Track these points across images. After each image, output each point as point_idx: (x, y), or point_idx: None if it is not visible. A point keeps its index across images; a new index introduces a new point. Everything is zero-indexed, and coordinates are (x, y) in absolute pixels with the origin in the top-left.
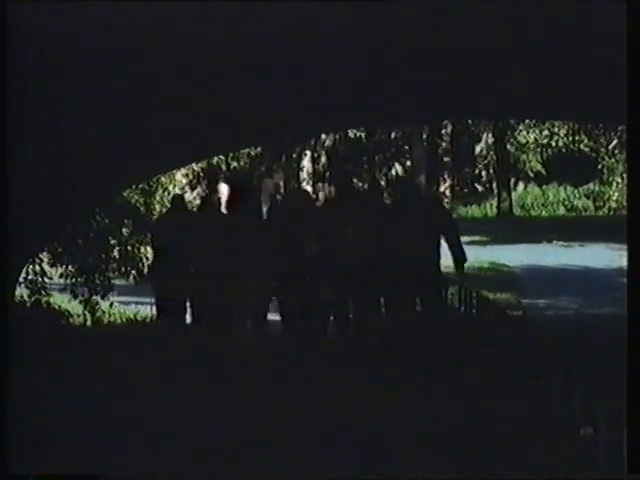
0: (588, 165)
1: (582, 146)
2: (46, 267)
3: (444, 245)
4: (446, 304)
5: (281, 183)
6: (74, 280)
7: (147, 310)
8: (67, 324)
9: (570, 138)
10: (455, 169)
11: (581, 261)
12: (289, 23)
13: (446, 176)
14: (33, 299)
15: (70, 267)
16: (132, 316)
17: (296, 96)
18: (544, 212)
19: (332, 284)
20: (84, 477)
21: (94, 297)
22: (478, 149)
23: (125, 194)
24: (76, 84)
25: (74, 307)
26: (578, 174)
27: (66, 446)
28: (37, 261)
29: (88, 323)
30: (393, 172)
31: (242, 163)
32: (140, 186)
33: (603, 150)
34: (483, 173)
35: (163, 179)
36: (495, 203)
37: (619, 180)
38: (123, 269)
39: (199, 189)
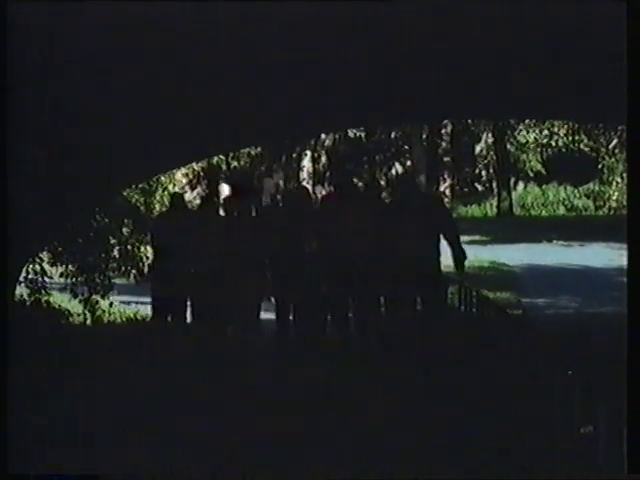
0: (588, 165)
1: (582, 146)
2: (46, 266)
3: (444, 244)
4: (446, 303)
5: (281, 183)
6: (74, 279)
7: (147, 309)
8: (67, 323)
9: (570, 138)
10: (455, 169)
11: (581, 260)
12: (289, 23)
13: (446, 176)
14: (33, 298)
15: (70, 266)
16: (132, 315)
17: (296, 96)
18: (544, 212)
19: (332, 283)
20: (84, 477)
21: (94, 296)
22: (478, 149)
23: (125, 193)
24: (76, 84)
25: (74, 306)
26: (578, 174)
27: (66, 446)
28: (37, 260)
29: (88, 322)
30: (393, 172)
31: (242, 163)
32: (140, 186)
33: (603, 150)
34: (483, 173)
35: (163, 179)
36: (495, 203)
37: (619, 180)
38: (123, 268)
39: (199, 189)
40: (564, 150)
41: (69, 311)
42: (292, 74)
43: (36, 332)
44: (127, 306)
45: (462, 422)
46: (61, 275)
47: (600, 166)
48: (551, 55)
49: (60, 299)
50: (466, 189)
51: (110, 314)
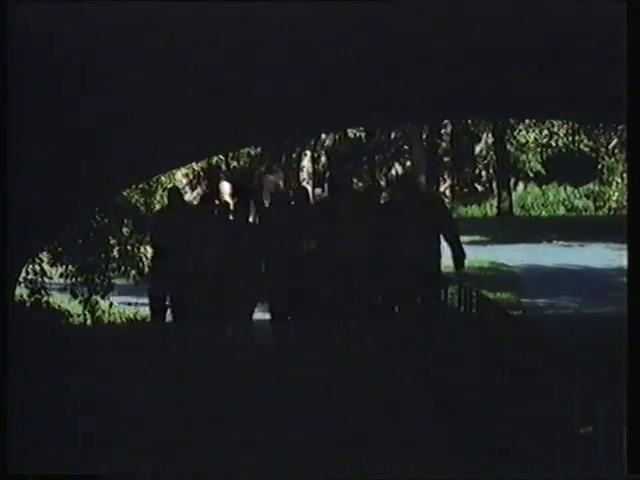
0: (588, 165)
1: (582, 146)
2: (46, 267)
3: (444, 244)
4: (446, 303)
5: (281, 183)
6: (74, 280)
7: (147, 310)
8: (67, 324)
9: (570, 138)
10: (455, 169)
11: (581, 261)
12: (289, 23)
13: (446, 176)
14: (33, 299)
15: (70, 267)
16: (132, 316)
17: (296, 96)
18: (544, 212)
19: (330, 284)
20: (84, 477)
21: (94, 297)
22: (478, 149)
23: (125, 194)
24: (76, 84)
25: (74, 307)
26: (578, 174)
27: (66, 446)
28: (37, 261)
29: (88, 323)
30: (393, 172)
31: (242, 163)
32: (140, 186)
33: (603, 150)
34: (483, 173)
35: (163, 179)
36: (495, 203)
37: (619, 180)
38: (123, 269)
39: (199, 189)
40: (564, 150)
41: (69, 311)
42: (292, 74)
43: (36, 332)
44: (127, 306)
45: (462, 422)
46: (61, 275)
47: (600, 166)
48: (551, 55)
49: (60, 299)
50: (466, 189)
51: (110, 314)
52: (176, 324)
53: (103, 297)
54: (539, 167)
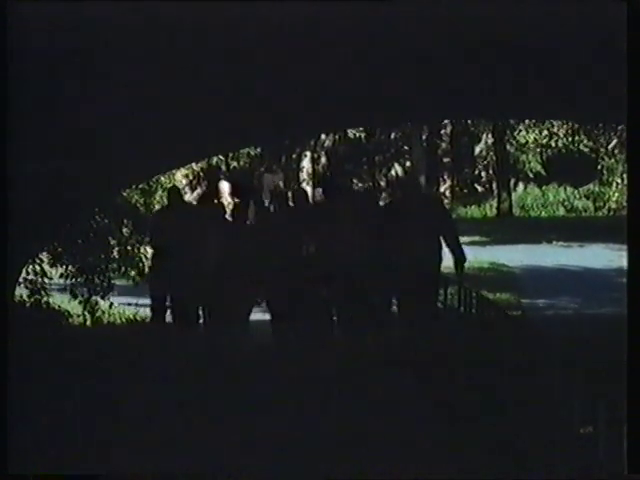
0: (588, 166)
1: (582, 146)
2: (46, 267)
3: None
4: (445, 305)
5: (281, 183)
6: (74, 280)
7: (147, 310)
8: (67, 324)
9: (570, 138)
10: (455, 170)
11: (580, 261)
12: (289, 23)
13: (446, 176)
14: (33, 299)
15: (70, 267)
16: (132, 316)
17: (296, 96)
18: (544, 213)
19: (330, 284)
20: (84, 477)
21: (94, 297)
22: (478, 150)
23: (125, 194)
24: (76, 84)
25: (74, 307)
26: (578, 175)
27: (66, 446)
28: (37, 261)
29: (88, 323)
30: (393, 172)
31: (242, 163)
32: (140, 186)
33: (603, 150)
34: (483, 174)
35: (163, 179)
36: (495, 204)
37: (619, 181)
38: (123, 269)
39: (199, 189)
40: (564, 151)
41: (69, 312)
42: (292, 74)
43: (36, 333)
44: (127, 307)
45: (462, 422)
46: (61, 276)
47: (600, 167)
48: (551, 55)
49: (60, 300)
50: (466, 190)
51: (110, 315)
52: (176, 324)
53: (103, 297)
54: (539, 168)
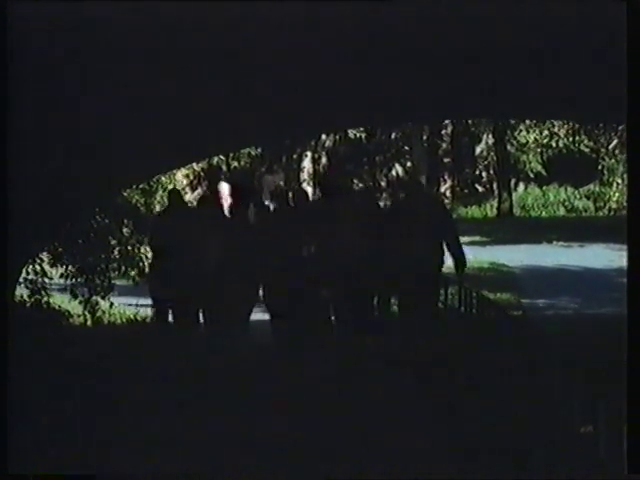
0: (588, 166)
1: (582, 146)
2: (46, 267)
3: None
4: (446, 304)
5: (281, 183)
6: (74, 280)
7: (147, 310)
8: (67, 324)
9: (570, 138)
10: (455, 170)
11: (581, 261)
12: (289, 23)
13: (446, 177)
14: (33, 299)
15: (70, 267)
16: (132, 316)
17: (296, 96)
18: (544, 213)
19: (330, 284)
20: (84, 477)
21: (94, 297)
22: (478, 150)
23: (125, 194)
24: (76, 84)
25: (74, 307)
26: (578, 175)
27: (66, 446)
28: (37, 261)
29: (88, 323)
30: (394, 173)
31: (242, 163)
32: (140, 186)
33: (603, 150)
34: (483, 174)
35: (163, 179)
36: (495, 204)
37: (619, 181)
38: (123, 269)
39: (200, 190)
40: (564, 151)
41: (69, 312)
42: (292, 74)
43: (36, 333)
44: (127, 307)
45: (462, 422)
46: (61, 276)
47: (600, 167)
48: (551, 55)
49: (60, 300)
50: (466, 190)
51: (110, 315)
52: (176, 325)
53: (103, 297)
54: (539, 168)
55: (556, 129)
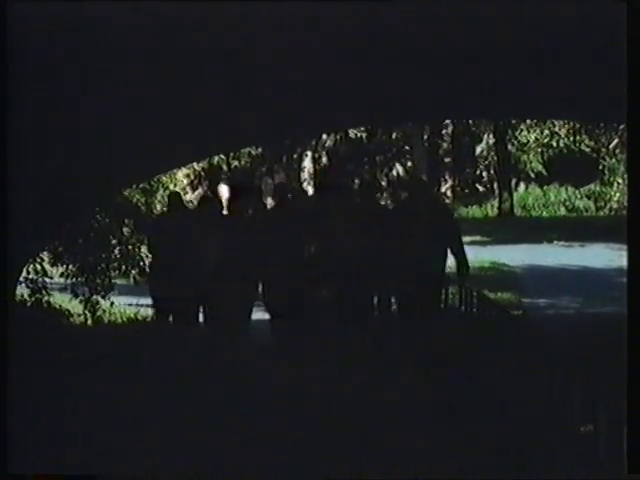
0: (589, 166)
1: (583, 146)
2: (47, 266)
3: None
4: (447, 304)
5: (282, 183)
6: (75, 279)
7: (148, 310)
8: (68, 323)
9: (571, 138)
10: (456, 169)
11: (581, 261)
12: (289, 23)
13: (447, 177)
14: (34, 298)
15: (71, 266)
16: (133, 316)
17: (297, 96)
18: (545, 212)
19: (331, 284)
20: (84, 477)
21: (95, 296)
22: (479, 149)
23: (126, 193)
24: (76, 84)
25: (74, 306)
26: (579, 175)
27: (66, 446)
28: (38, 260)
29: (89, 323)
30: (394, 172)
31: (243, 162)
32: (141, 185)
33: (604, 150)
34: (484, 173)
35: (164, 178)
36: (496, 203)
37: (620, 181)
38: (124, 268)
39: (200, 189)
40: (565, 151)
41: (69, 311)
42: (292, 74)
43: (36, 332)
44: (128, 306)
45: (462, 422)
46: (62, 275)
47: (601, 167)
48: (551, 55)
49: (61, 299)
50: (467, 190)
51: (111, 314)
52: (177, 325)
53: (104, 297)
54: (540, 167)
55: (557, 129)
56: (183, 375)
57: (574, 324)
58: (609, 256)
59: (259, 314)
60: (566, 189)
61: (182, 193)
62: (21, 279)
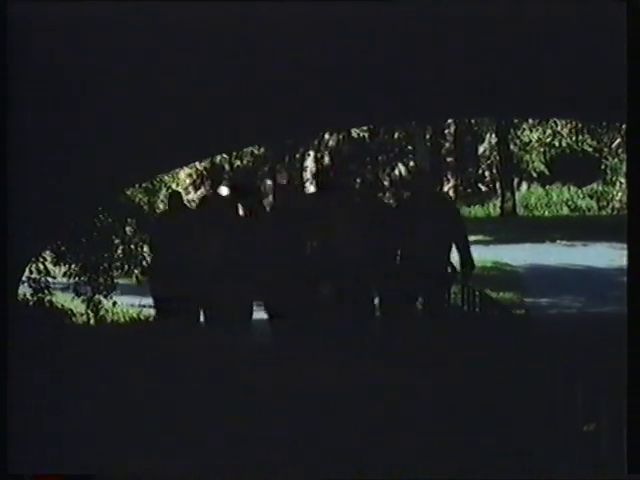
0: (591, 165)
1: (585, 146)
2: (49, 266)
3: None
4: (449, 303)
5: (283, 183)
6: (77, 279)
7: (150, 309)
8: (70, 323)
9: (573, 137)
10: (458, 169)
11: (584, 260)
12: (290, 23)
13: (449, 176)
14: (36, 298)
15: (73, 266)
16: (135, 315)
17: (299, 96)
18: (547, 212)
19: (332, 284)
20: (84, 477)
21: (97, 296)
22: (481, 149)
23: (128, 193)
24: (77, 83)
25: (77, 306)
26: (581, 174)
27: (66, 446)
28: (40, 260)
29: (91, 322)
30: (397, 172)
31: (245, 162)
32: (143, 185)
33: (606, 150)
34: (486, 173)
35: (167, 178)
36: (499, 203)
37: (622, 180)
38: (126, 268)
39: (203, 189)
40: (567, 150)
41: (72, 311)
42: (294, 73)
43: (39, 331)
44: (130, 306)
45: (462, 422)
46: (64, 274)
47: (603, 166)
48: (551, 55)
49: (63, 299)
50: (469, 189)
51: (113, 314)
52: (177, 324)
53: (106, 296)
54: (542, 167)
55: (559, 128)
56: (183, 374)
57: (576, 323)
58: (611, 255)
59: (259, 314)
60: (568, 189)
61: (184, 193)
62: (24, 278)
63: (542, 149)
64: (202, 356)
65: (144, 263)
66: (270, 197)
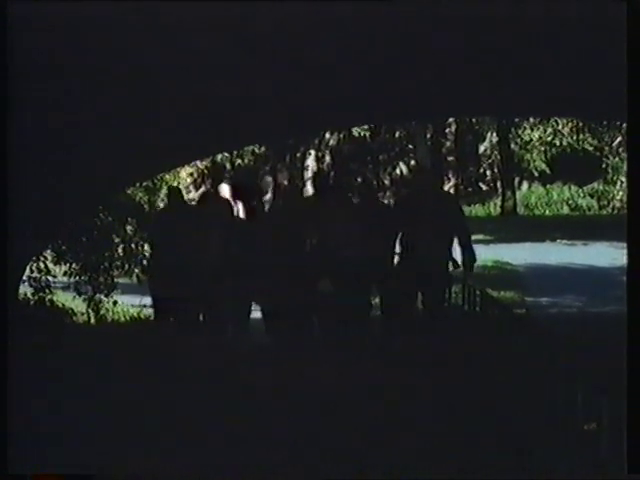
0: (592, 164)
1: (586, 145)
2: (50, 265)
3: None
4: (450, 302)
5: (285, 182)
6: (78, 278)
7: (150, 309)
8: (71, 322)
9: (574, 137)
10: (459, 168)
11: (584, 260)
12: (290, 23)
13: (450, 175)
14: (37, 297)
15: (74, 265)
16: (136, 314)
17: (300, 95)
18: (548, 211)
19: (332, 283)
20: (84, 477)
21: (98, 295)
22: (482, 148)
23: (129, 192)
24: (77, 83)
25: (78, 305)
26: (582, 173)
27: (66, 446)
28: (41, 259)
29: (92, 321)
30: (397, 171)
31: (246, 161)
32: (144, 184)
33: (607, 149)
34: (487, 172)
35: (167, 176)
36: (499, 202)
37: (623, 179)
38: (127, 267)
39: (204, 188)
40: (568, 149)
41: (73, 310)
42: (295, 73)
43: (39, 331)
44: (131, 305)
45: (462, 422)
46: (65, 274)
47: (604, 165)
48: (551, 55)
49: (64, 298)
50: (470, 188)
51: (114, 313)
52: (176, 323)
53: (107, 296)
54: (543, 166)
55: (560, 127)
56: (183, 374)
57: (577, 323)
58: (612, 255)
59: (259, 314)
60: (569, 188)
61: (184, 190)
62: (24, 278)
63: (543, 148)
64: (202, 356)
65: (144, 262)
66: (271, 196)
